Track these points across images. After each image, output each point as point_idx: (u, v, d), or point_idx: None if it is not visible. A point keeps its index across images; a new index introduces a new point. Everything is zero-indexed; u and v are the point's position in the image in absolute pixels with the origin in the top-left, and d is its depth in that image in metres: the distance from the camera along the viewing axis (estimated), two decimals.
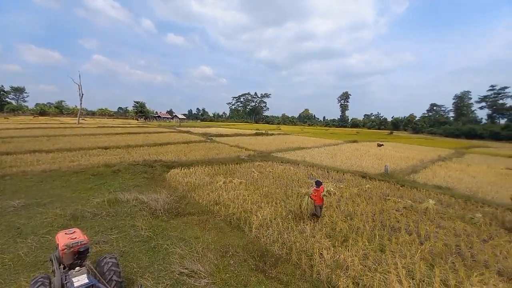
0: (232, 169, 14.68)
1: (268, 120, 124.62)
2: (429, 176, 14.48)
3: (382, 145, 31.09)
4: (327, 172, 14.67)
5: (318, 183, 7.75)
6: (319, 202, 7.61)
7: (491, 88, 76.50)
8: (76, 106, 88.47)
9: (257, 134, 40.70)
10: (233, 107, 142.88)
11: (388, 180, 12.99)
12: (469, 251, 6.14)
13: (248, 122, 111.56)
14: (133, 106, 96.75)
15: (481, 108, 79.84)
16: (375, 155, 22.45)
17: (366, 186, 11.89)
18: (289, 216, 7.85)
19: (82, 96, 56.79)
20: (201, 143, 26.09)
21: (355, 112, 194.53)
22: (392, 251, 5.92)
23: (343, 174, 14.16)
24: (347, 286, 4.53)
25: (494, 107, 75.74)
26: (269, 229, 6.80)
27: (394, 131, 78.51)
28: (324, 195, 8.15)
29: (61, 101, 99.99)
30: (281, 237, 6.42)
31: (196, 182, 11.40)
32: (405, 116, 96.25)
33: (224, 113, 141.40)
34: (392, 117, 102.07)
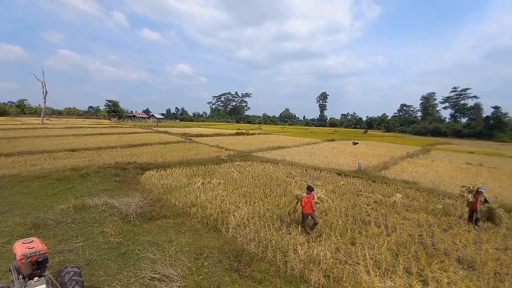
0: (211, 169, 14.48)
1: (250, 120, 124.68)
2: (398, 172, 15.46)
3: (357, 143, 32.62)
4: (305, 170, 15.05)
5: (310, 189, 6.86)
6: (308, 210, 6.82)
7: (453, 89, 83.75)
8: (39, 105, 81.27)
9: (238, 134, 40.60)
10: (213, 106, 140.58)
11: (361, 177, 13.66)
12: (431, 240, 6.66)
13: (229, 122, 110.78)
14: (105, 105, 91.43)
15: (444, 108, 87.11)
16: (350, 153, 23.48)
17: (341, 182, 12.39)
18: (267, 214, 7.93)
19: (46, 94, 52.23)
20: (179, 143, 25.40)
21: (333, 112, 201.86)
22: (362, 244, 6.23)
23: (320, 172, 14.62)
24: (319, 279, 4.69)
25: (456, 107, 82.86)
26: (246, 229, 6.81)
27: (369, 130, 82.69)
28: (316, 202, 7.32)
29: (23, 100, 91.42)
30: (257, 235, 6.46)
31: (172, 184, 11.08)
32: (378, 116, 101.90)
33: (204, 112, 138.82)
34: (366, 117, 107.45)
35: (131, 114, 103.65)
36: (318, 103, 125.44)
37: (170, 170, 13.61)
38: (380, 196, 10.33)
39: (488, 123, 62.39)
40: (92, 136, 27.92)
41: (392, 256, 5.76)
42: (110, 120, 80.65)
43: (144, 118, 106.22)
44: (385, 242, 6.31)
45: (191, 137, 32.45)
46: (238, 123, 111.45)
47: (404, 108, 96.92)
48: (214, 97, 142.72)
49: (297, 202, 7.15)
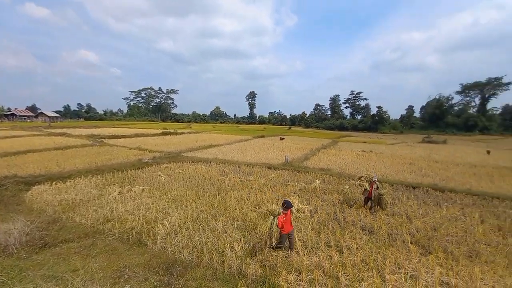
0: (131, 175, 12.57)
1: (178, 118, 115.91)
2: (316, 162, 17.88)
3: (284, 138, 35.83)
4: (238, 167, 15.24)
5: (287, 206, 5.52)
6: (288, 229, 5.56)
7: (351, 93, 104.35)
8: None
9: (164, 134, 37.13)
10: (132, 103, 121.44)
11: (288, 168, 15.00)
12: (342, 215, 7.95)
13: (154, 121, 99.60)
14: None
15: (346, 107, 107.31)
16: (278, 147, 25.49)
17: (272, 175, 13.22)
18: (201, 216, 7.50)
19: None
20: (85, 147, 20.95)
21: (261, 110, 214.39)
22: None
23: (253, 167, 15.14)
24: (255, 270, 4.77)
25: (353, 107, 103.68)
26: (178, 236, 6.20)
27: (292, 126, 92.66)
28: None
29: None
30: (191, 241, 5.99)
31: (76, 198, 8.96)
32: (299, 114, 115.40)
33: (120, 110, 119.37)
34: (290, 115, 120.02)
35: (9, 112, 78.40)
36: (248, 102, 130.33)
37: (72, 181, 11.00)
38: (303, 184, 11.61)
39: (375, 119, 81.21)
40: None
41: (316, 234, 6.52)
42: None
43: (29, 117, 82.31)
44: (310, 223, 7.10)
45: (102, 139, 27.38)
46: (164, 122, 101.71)
47: (318, 107, 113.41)
48: (133, 92, 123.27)
49: (274, 219, 5.47)
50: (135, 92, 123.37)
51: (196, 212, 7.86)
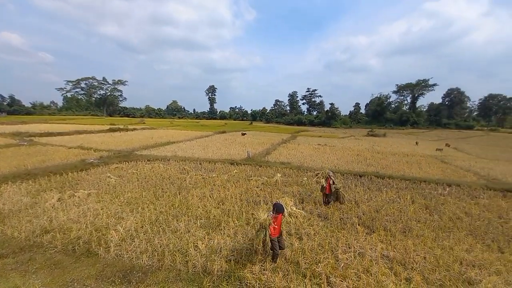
0: (73, 178, 11.07)
1: (128, 113, 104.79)
2: (277, 156, 18.59)
3: (245, 134, 36.11)
4: (200, 164, 14.81)
5: (278, 210, 5.09)
6: (276, 233, 5.07)
7: (307, 90, 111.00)
8: None
9: (112, 130, 33.53)
10: (69, 95, 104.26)
11: (250, 163, 15.24)
12: (301, 205, 8.52)
13: (98, 116, 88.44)
14: None
15: (303, 104, 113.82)
16: (240, 143, 25.59)
17: (234, 171, 13.24)
18: (160, 218, 7.09)
19: None
20: (10, 148, 17.59)
21: (222, 105, 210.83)
22: (254, 223, 6.95)
23: (215, 164, 14.90)
24: (221, 266, 4.79)
25: (310, 103, 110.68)
26: (134, 241, 5.76)
27: (253, 122, 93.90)
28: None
29: None
30: (151, 244, 5.64)
31: (4, 208, 7.61)
32: (260, 109, 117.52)
33: (53, 103, 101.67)
34: (251, 110, 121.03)
35: None
36: (208, 96, 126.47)
37: None
38: (265, 177, 11.98)
39: (328, 115, 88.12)
40: None
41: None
42: None
43: None
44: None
45: (32, 138, 23.32)
46: (111, 117, 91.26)
47: (278, 103, 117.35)
48: (69, 82, 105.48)
49: (265, 234, 4.93)
50: (73, 82, 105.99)
51: (154, 214, 7.40)
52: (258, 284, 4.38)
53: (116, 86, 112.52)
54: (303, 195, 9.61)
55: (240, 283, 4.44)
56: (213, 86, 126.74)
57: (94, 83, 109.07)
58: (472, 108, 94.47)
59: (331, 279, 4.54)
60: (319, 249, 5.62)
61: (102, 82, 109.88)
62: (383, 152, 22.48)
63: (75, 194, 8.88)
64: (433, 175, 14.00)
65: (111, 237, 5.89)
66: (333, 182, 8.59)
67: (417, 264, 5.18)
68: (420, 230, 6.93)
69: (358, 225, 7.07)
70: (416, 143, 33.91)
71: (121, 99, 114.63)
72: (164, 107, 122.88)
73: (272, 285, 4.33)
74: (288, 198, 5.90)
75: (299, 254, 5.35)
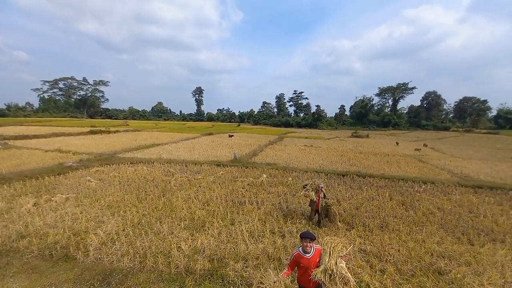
0: (50, 183, 10.63)
1: (110, 114, 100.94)
2: (263, 157, 18.77)
3: (233, 135, 36.07)
4: (186, 166, 14.67)
5: (310, 241, 3.28)
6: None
7: (294, 92, 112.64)
8: None
9: (93, 133, 32.32)
10: (46, 95, 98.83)
11: (237, 165, 15.29)
12: (286, 204, 8.70)
13: (78, 118, 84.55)
14: None
15: (290, 105, 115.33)
16: (227, 144, 25.55)
17: (220, 173, 13.25)
18: (143, 221, 6.99)
19: None
20: None
21: (209, 107, 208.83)
22: (239, 221, 7.05)
23: (201, 166, 14.81)
24: (203, 266, 4.83)
25: (297, 105, 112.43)
26: (115, 244, 5.66)
27: (241, 123, 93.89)
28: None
29: None
30: (132, 247, 5.57)
31: None
32: (247, 111, 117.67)
33: (29, 104, 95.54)
34: (239, 112, 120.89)
35: None
36: (195, 98, 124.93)
37: None
38: (251, 178, 12.09)
39: (314, 116, 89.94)
40: None
41: (262, 224, 6.97)
42: None
43: None
44: (257, 215, 7.54)
45: (6, 141, 22.02)
46: (92, 118, 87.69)
47: (265, 104, 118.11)
48: (46, 82, 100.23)
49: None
50: (50, 82, 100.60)
51: (137, 217, 7.28)
52: (240, 280, 4.46)
53: (97, 87, 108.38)
54: (287, 195, 9.79)
55: (222, 280, 4.50)
56: (200, 87, 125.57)
57: (74, 84, 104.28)
58: (448, 110, 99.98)
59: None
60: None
61: (82, 82, 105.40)
62: (366, 153, 23.33)
63: (52, 198, 8.53)
64: (410, 173, 14.74)
65: (91, 241, 5.75)
66: (324, 195, 7.30)
67: (391, 256, 5.49)
68: (396, 225, 7.31)
69: (339, 221, 7.34)
70: (397, 143, 35.45)
71: (102, 100, 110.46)
72: (149, 109, 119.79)
73: (254, 281, 4.43)
74: (339, 240, 3.49)
75: (281, 251, 5.49)
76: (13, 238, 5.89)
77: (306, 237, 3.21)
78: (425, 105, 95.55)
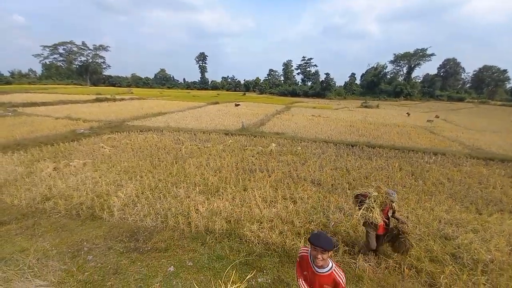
0: (66, 149, 10.95)
1: (113, 82, 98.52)
2: (271, 126, 18.64)
3: (239, 104, 35.46)
4: (194, 134, 14.77)
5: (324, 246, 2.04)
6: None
7: (303, 58, 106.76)
8: None
9: (99, 100, 32.20)
10: (47, 62, 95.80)
11: (245, 134, 15.30)
12: (296, 173, 8.86)
13: (82, 85, 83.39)
14: None
15: (298, 73, 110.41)
16: (234, 114, 25.29)
17: (229, 141, 13.34)
18: (160, 185, 7.29)
19: None
20: None
21: (214, 74, 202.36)
22: (252, 188, 7.28)
23: (209, 134, 14.88)
24: (221, 226, 5.14)
25: (304, 73, 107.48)
26: (137, 206, 6.01)
27: (247, 92, 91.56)
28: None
29: None
30: (153, 208, 5.91)
31: None
32: (253, 79, 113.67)
33: (31, 71, 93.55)
34: (244, 80, 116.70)
35: None
36: (198, 64, 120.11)
37: None
38: (260, 147, 12.18)
39: (323, 86, 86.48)
40: None
41: (274, 190, 7.20)
42: None
43: None
44: (268, 182, 7.75)
45: (16, 108, 22.23)
46: (96, 86, 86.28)
47: (272, 72, 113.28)
48: (46, 47, 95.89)
49: None
50: (50, 47, 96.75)
51: (153, 181, 7.58)
52: (257, 240, 4.77)
53: (97, 52, 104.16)
54: (296, 163, 9.90)
55: (240, 239, 4.82)
56: (203, 53, 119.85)
57: (73, 49, 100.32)
58: (466, 80, 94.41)
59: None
60: (312, 211, 6.04)
61: (82, 47, 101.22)
62: (375, 123, 22.86)
63: (70, 163, 8.87)
64: (421, 144, 14.56)
65: (113, 202, 6.09)
66: (393, 212, 4.40)
67: None
68: (405, 194, 7.45)
69: (348, 189, 7.52)
70: (408, 114, 34.44)
71: (104, 66, 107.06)
72: (151, 76, 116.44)
73: (270, 240, 4.73)
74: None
75: (293, 215, 5.74)
76: (38, 200, 6.24)
77: (318, 245, 2.05)
78: (442, 74, 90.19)
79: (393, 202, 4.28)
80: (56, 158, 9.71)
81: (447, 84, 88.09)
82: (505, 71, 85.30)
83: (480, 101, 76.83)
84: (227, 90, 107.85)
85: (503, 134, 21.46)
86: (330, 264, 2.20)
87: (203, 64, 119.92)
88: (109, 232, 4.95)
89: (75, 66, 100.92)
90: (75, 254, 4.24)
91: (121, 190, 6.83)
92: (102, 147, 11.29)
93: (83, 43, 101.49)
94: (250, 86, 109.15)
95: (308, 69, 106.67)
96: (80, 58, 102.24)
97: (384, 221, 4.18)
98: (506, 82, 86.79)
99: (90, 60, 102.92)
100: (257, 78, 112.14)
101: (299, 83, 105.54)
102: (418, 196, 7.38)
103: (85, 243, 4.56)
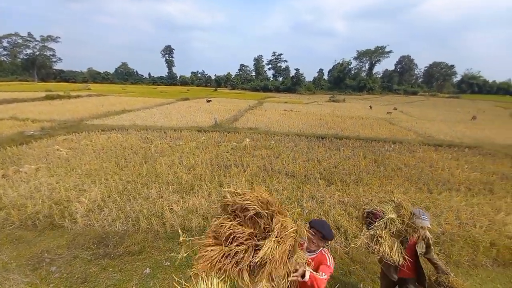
0: (14, 153, 9.67)
1: (66, 77, 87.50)
2: (244, 122, 18.65)
3: (211, 100, 34.69)
4: (164, 132, 14.11)
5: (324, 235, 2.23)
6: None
7: (273, 54, 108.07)
8: None
9: (50, 98, 28.71)
10: None
11: (218, 130, 15.10)
12: (270, 166, 9.05)
13: (28, 81, 73.49)
14: None
15: (269, 69, 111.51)
16: (206, 110, 24.69)
17: (202, 138, 13.04)
18: (128, 187, 6.88)
19: None
20: None
21: (182, 69, 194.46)
22: (227, 183, 7.27)
23: (181, 132, 14.36)
24: (199, 223, 5.08)
25: (275, 68, 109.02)
26: (104, 210, 5.60)
27: (218, 88, 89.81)
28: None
29: None
30: (123, 212, 5.57)
31: None
32: (224, 74, 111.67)
33: None
34: (215, 75, 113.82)
35: None
36: (164, 58, 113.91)
37: None
38: (234, 143, 12.15)
39: (294, 81, 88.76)
40: None
41: (249, 184, 7.30)
42: None
43: None
44: (243, 177, 7.81)
45: None
46: (45, 81, 76.68)
47: (243, 68, 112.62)
48: None
49: None
50: None
51: (121, 183, 7.12)
52: None
53: (46, 44, 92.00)
54: (270, 157, 10.12)
55: None
56: (169, 46, 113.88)
57: (18, 41, 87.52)
58: (418, 75, 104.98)
59: (297, 222, 5.14)
60: (287, 201, 6.28)
61: (28, 38, 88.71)
62: (342, 116, 24.31)
63: (20, 169, 7.86)
64: (382, 134, 15.93)
65: (76, 209, 5.59)
66: (428, 245, 2.79)
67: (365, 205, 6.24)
68: (369, 180, 8.14)
69: (320, 179, 7.96)
70: (370, 107, 37.25)
71: (54, 59, 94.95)
72: (111, 71, 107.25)
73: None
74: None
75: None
76: None
77: (316, 227, 2.17)
78: (398, 70, 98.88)
79: (424, 230, 2.61)
80: (3, 164, 8.52)
81: (403, 79, 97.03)
82: (452, 66, 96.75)
83: (431, 94, 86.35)
84: (197, 86, 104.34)
85: (449, 123, 24.49)
86: (321, 250, 2.26)
87: (170, 58, 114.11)
88: (73, 241, 4.55)
89: (19, 60, 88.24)
90: (36, 266, 3.83)
91: (84, 195, 6.28)
92: (58, 149, 10.20)
93: (29, 34, 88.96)
94: (222, 82, 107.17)
95: (278, 64, 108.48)
96: (26, 50, 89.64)
97: (409, 261, 2.54)
98: (453, 77, 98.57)
99: (38, 53, 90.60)
100: (229, 73, 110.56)
101: (271, 79, 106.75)
102: (380, 180, 8.12)
103: (46, 254, 4.14)
